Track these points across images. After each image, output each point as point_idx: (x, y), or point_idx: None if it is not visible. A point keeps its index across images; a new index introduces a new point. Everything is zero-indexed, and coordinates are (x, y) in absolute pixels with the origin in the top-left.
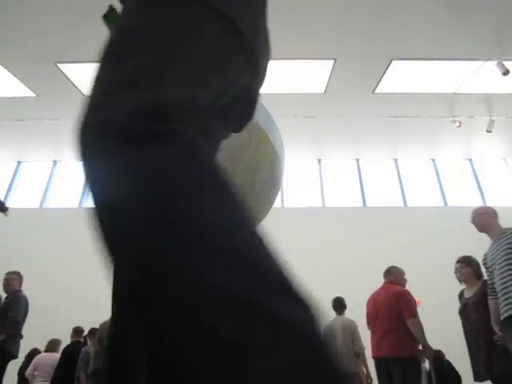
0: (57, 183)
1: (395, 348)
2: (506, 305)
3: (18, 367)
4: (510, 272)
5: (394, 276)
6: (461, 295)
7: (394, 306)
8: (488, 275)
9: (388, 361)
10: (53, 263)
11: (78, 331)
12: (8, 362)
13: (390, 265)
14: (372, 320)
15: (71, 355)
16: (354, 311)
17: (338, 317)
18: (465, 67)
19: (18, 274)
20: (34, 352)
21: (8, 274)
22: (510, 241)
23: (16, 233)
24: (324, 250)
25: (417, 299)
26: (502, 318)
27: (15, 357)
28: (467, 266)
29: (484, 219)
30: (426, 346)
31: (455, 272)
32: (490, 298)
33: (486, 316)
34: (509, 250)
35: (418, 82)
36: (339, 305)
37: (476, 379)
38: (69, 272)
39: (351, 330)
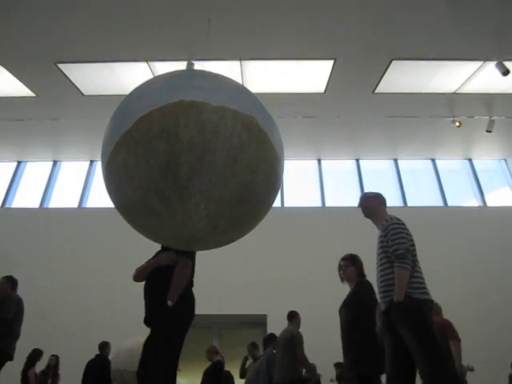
0: (57, 183)
1: None
2: (384, 297)
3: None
4: (385, 262)
5: (435, 311)
6: None
7: (442, 333)
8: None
9: None
10: (53, 263)
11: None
12: (4, 362)
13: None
14: None
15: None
16: None
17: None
18: (465, 67)
19: (8, 278)
20: (36, 352)
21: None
22: (381, 232)
23: (16, 233)
24: (324, 250)
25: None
26: (382, 309)
27: (11, 357)
28: (352, 266)
29: (374, 202)
30: (459, 366)
31: (338, 269)
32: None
33: (355, 316)
34: (381, 239)
35: (418, 82)
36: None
37: (346, 378)
38: (69, 272)
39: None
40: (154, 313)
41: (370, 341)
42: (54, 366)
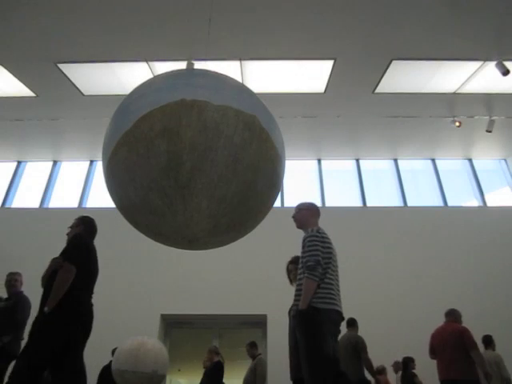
0: (57, 183)
1: (463, 373)
2: (295, 304)
3: None
4: (302, 271)
5: (454, 317)
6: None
7: (460, 340)
8: None
9: (457, 383)
10: None
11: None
12: (10, 362)
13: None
14: (440, 351)
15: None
16: (355, 310)
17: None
18: (465, 67)
19: (19, 274)
20: None
21: (10, 274)
22: (302, 243)
23: (16, 233)
24: None
25: None
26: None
27: (16, 357)
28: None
29: (304, 215)
30: (488, 373)
31: (287, 272)
32: None
33: None
34: (302, 250)
35: (418, 82)
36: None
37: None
38: None
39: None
40: (35, 319)
41: None
42: None
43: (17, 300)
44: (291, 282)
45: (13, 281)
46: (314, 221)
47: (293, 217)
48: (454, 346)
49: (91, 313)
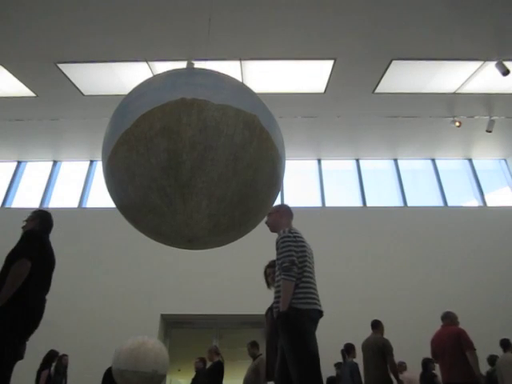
0: (57, 183)
1: (463, 375)
2: (276, 307)
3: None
4: (279, 273)
5: (450, 319)
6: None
7: (457, 342)
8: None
9: None
10: None
11: None
12: (15, 363)
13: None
14: (441, 354)
15: None
16: (356, 310)
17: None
18: (465, 67)
19: None
20: (52, 354)
21: None
22: (276, 245)
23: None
24: (323, 250)
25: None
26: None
27: (22, 358)
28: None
29: (274, 218)
30: (479, 375)
31: (265, 276)
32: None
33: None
34: (276, 252)
35: (418, 82)
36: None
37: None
38: (68, 272)
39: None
40: None
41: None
42: (65, 365)
43: None
44: (268, 285)
45: None
46: (285, 222)
47: (266, 222)
48: (453, 348)
49: (43, 309)
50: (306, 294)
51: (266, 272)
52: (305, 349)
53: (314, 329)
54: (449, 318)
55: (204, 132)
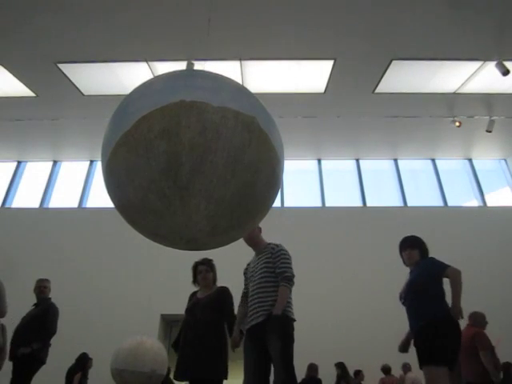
0: (57, 183)
1: (477, 376)
2: (258, 312)
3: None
4: (266, 280)
5: (472, 320)
6: (193, 294)
7: (472, 344)
8: (245, 284)
9: None
10: (52, 263)
11: None
12: (38, 369)
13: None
14: (460, 355)
15: None
16: (356, 310)
17: None
18: (465, 67)
19: (48, 281)
20: (85, 357)
21: (40, 281)
22: (268, 255)
23: (16, 233)
24: (323, 250)
25: (497, 338)
26: (251, 324)
27: (44, 363)
28: (211, 271)
29: (257, 234)
30: (493, 375)
31: (196, 272)
32: (239, 305)
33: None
34: (266, 261)
35: (418, 82)
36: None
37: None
38: (68, 271)
39: None
40: None
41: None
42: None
43: (47, 307)
44: (195, 282)
45: (42, 287)
46: (261, 237)
47: (246, 237)
48: (467, 350)
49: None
50: (291, 305)
51: (196, 268)
52: (291, 351)
53: None
54: (471, 319)
55: (203, 134)
